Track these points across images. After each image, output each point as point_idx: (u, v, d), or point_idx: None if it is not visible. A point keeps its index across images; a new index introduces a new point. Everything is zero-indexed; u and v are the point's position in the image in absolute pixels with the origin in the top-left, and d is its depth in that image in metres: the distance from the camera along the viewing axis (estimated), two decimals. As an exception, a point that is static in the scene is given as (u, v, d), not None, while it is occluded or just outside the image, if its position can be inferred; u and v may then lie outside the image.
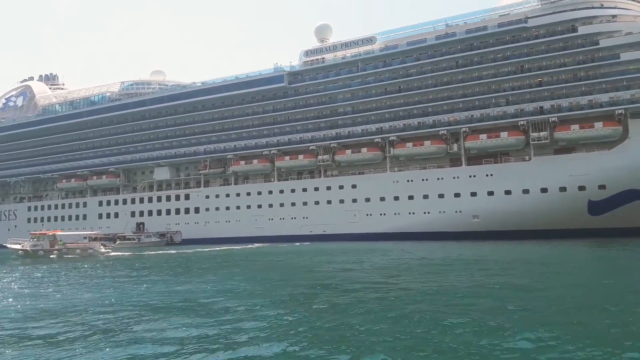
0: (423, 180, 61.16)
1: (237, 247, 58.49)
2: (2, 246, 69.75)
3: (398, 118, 64.27)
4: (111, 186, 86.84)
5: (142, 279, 26.67)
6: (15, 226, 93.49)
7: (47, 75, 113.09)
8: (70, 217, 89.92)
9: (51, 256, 51.29)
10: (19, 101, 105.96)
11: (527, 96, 57.75)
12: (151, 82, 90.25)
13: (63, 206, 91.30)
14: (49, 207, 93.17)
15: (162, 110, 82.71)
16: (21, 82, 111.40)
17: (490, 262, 31.29)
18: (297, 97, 72.10)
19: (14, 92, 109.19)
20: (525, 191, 55.37)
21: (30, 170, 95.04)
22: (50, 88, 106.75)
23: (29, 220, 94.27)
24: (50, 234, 56.40)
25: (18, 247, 55.41)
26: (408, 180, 62.02)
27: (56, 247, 53.17)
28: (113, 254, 52.71)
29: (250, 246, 61.12)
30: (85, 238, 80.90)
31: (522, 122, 56.35)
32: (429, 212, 60.27)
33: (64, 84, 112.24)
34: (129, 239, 74.46)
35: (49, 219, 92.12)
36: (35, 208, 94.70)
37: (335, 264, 32.67)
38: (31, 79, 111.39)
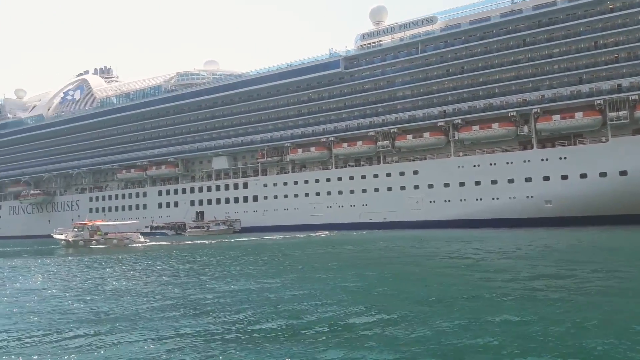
0: (491, 164, 59.02)
1: (302, 235, 58.15)
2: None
3: (462, 100, 62.08)
4: (170, 176, 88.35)
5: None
6: (79, 216, 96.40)
7: (102, 68, 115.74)
8: (130, 207, 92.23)
9: (91, 246, 52.45)
10: (77, 95, 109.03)
11: (603, 74, 54.50)
12: (205, 72, 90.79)
13: (123, 196, 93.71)
14: (110, 197, 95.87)
15: (218, 100, 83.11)
16: (77, 76, 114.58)
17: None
18: (353, 82, 70.79)
19: (71, 86, 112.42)
20: (603, 174, 52.51)
21: (91, 161, 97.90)
22: (105, 81, 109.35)
23: (90, 210, 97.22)
24: (90, 224, 57.40)
25: (62, 237, 57.14)
26: (474, 165, 60.02)
27: (95, 237, 54.28)
28: (150, 244, 53.19)
29: (320, 234, 60.67)
30: (148, 226, 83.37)
31: (598, 102, 53.28)
32: (497, 198, 58.23)
33: (118, 77, 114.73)
34: (199, 227, 75.78)
35: (109, 209, 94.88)
36: (97, 198, 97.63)
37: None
38: (86, 72, 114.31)
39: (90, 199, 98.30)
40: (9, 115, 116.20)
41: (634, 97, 51.55)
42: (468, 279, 19.22)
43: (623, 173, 51.47)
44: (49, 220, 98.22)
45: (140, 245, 52.93)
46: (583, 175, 53.57)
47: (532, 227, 53.32)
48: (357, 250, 36.21)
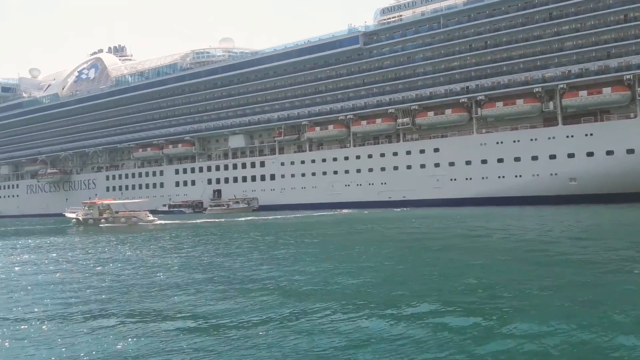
0: (514, 141, 58.04)
1: (327, 213, 57.75)
2: None
3: (485, 76, 60.85)
4: (187, 154, 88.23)
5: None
6: (96, 194, 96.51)
7: (116, 47, 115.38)
8: (147, 186, 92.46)
9: (100, 225, 52.62)
10: (91, 73, 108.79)
11: (633, 48, 52.98)
12: (220, 49, 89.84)
13: (140, 175, 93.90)
14: (126, 176, 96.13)
15: (234, 78, 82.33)
16: (91, 54, 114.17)
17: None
18: (372, 58, 69.60)
19: (85, 65, 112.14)
20: (630, 151, 51.41)
21: (107, 140, 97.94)
22: (119, 59, 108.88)
23: (107, 189, 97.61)
24: (99, 202, 57.46)
25: (73, 216, 57.78)
26: (497, 142, 59.08)
27: (104, 215, 54.43)
28: (159, 222, 52.95)
29: (343, 211, 60.14)
30: (166, 205, 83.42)
31: (627, 76, 51.89)
32: (520, 176, 57.37)
33: (132, 55, 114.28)
34: (219, 205, 75.88)
35: (126, 188, 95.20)
36: (113, 177, 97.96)
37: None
38: (100, 51, 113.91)
39: (107, 178, 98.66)
40: (24, 95, 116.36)
41: (665, 72, 50.09)
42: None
43: (652, 150, 50.34)
44: (67, 199, 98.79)
45: (149, 224, 52.70)
46: (609, 152, 52.49)
47: (555, 204, 52.51)
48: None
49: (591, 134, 53.64)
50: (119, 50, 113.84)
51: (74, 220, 56.71)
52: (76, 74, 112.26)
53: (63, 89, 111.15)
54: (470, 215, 43.39)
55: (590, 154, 53.51)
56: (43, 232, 46.60)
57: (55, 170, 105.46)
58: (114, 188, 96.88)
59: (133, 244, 29.27)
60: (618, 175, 51.33)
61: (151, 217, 54.61)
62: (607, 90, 52.39)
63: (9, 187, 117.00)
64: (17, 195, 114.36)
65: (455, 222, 36.74)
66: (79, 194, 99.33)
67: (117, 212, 55.81)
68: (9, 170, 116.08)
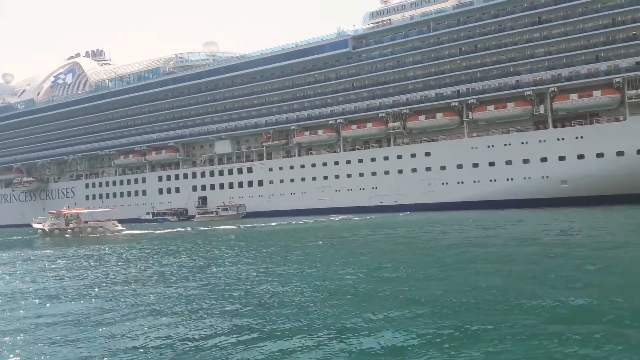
0: (505, 145, 58.28)
1: (322, 219, 56.91)
2: None
3: (475, 80, 61.05)
4: (170, 161, 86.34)
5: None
6: (75, 203, 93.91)
7: (94, 51, 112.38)
8: (129, 193, 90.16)
9: (66, 235, 50.98)
10: (68, 78, 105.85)
11: (622, 51, 53.78)
12: (204, 53, 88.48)
13: (121, 182, 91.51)
14: (107, 183, 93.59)
15: (220, 82, 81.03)
16: (68, 59, 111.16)
17: None
18: (362, 62, 69.25)
19: (62, 70, 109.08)
20: (620, 153, 52.04)
21: (87, 147, 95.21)
22: (98, 64, 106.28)
23: (87, 197, 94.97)
24: (66, 212, 55.77)
25: (39, 226, 55.66)
26: (488, 146, 59.25)
27: (70, 225, 52.76)
28: (127, 232, 51.52)
29: (340, 217, 59.15)
30: (149, 213, 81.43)
31: (617, 80, 52.58)
32: (512, 179, 57.59)
33: (110, 60, 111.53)
34: (207, 213, 74.31)
35: (107, 196, 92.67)
36: (93, 185, 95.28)
37: (512, 234, 28.38)
38: (77, 55, 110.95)
39: (87, 186, 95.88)
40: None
41: (654, 75, 50.92)
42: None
43: (641, 152, 51.03)
44: (44, 208, 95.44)
45: (117, 233, 51.06)
46: (600, 155, 53.07)
47: (547, 207, 52.81)
48: (410, 234, 32.59)
49: (581, 137, 54.17)
50: (97, 55, 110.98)
51: (40, 231, 54.69)
52: (52, 78, 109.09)
53: (38, 94, 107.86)
54: (467, 218, 43.07)
55: (580, 157, 54.02)
56: (9, 245, 44.04)
57: (31, 179, 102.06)
58: (94, 196, 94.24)
59: (78, 264, 25.67)
60: (609, 177, 51.88)
61: (119, 227, 52.93)
62: (597, 94, 53.02)
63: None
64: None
65: (456, 226, 36.38)
66: (57, 203, 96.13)
67: (86, 222, 54.06)
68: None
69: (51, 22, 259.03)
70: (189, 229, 53.94)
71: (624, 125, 52.53)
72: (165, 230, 52.00)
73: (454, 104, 61.55)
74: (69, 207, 66.73)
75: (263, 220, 62.83)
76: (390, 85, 66.91)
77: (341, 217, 59.65)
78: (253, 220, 65.79)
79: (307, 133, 72.30)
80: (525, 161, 56.92)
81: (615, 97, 52.87)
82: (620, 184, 51.10)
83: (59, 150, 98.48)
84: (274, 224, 53.06)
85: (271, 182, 75.20)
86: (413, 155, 64.15)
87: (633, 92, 51.81)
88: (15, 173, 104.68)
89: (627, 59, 53.16)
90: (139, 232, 51.94)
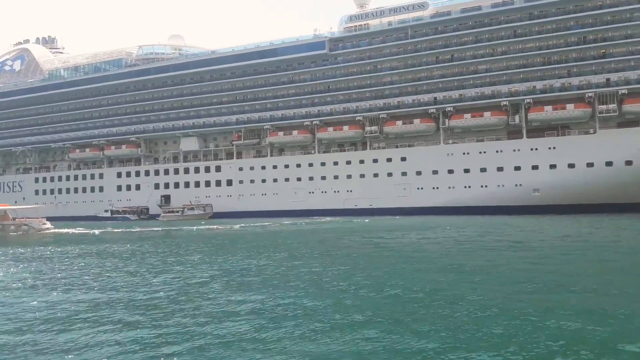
0: (480, 152, 59.79)
1: (306, 220, 55.92)
2: None
3: (452, 88, 62.25)
4: (131, 157, 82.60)
5: None
6: (24, 198, 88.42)
7: (45, 38, 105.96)
8: (84, 189, 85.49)
9: None
10: (16, 65, 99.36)
11: (592, 67, 56.49)
12: (169, 46, 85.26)
13: (76, 177, 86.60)
14: (59, 178, 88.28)
15: (187, 77, 78.35)
16: (16, 45, 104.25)
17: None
18: (338, 65, 69.06)
19: (9, 56, 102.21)
20: (590, 164, 54.64)
21: (38, 139, 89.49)
22: (50, 51, 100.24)
23: (36, 192, 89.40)
24: None
25: None
26: (464, 153, 60.58)
27: None
28: (53, 230, 49.13)
29: (323, 219, 58.30)
30: (108, 210, 77.52)
31: (589, 94, 55.16)
32: (486, 186, 59.15)
33: (64, 48, 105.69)
34: (172, 212, 71.42)
35: (59, 191, 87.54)
36: (44, 179, 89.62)
37: (513, 240, 28.56)
38: (27, 41, 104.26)
39: (37, 180, 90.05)
40: None
41: (623, 92, 53.75)
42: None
43: (609, 164, 53.78)
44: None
45: (43, 231, 48.25)
46: (571, 165, 55.47)
47: (519, 214, 54.55)
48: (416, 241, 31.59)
49: (554, 148, 56.43)
50: (48, 42, 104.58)
51: None
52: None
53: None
54: (452, 224, 43.66)
55: (553, 166, 56.25)
56: None
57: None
58: (44, 191, 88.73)
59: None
60: (579, 187, 54.34)
61: (47, 225, 50.09)
62: (570, 107, 55.40)
63: None
64: None
65: (450, 232, 36.69)
66: (2, 198, 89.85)
67: (14, 219, 50.67)
68: None
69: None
70: (154, 228, 51.29)
71: (594, 138, 55.18)
72: (120, 230, 48.75)
73: (431, 110, 62.46)
74: (56, 200, 61.99)
75: (232, 221, 61.15)
76: (366, 89, 67.06)
77: (327, 219, 59.03)
78: (221, 220, 63.90)
79: (280, 133, 71.18)
80: (500, 169, 58.61)
81: (587, 111, 55.42)
82: (590, 194, 53.63)
83: (7, 142, 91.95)
84: (237, 226, 51.18)
85: (241, 181, 73.48)
86: (389, 160, 64.58)
87: (604, 107, 54.51)
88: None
89: (598, 75, 55.89)
90: (71, 231, 48.85)
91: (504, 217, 50.70)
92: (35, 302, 14.28)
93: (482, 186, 59.51)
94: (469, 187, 60.11)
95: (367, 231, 38.61)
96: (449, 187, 61.06)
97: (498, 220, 46.02)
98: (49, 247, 31.95)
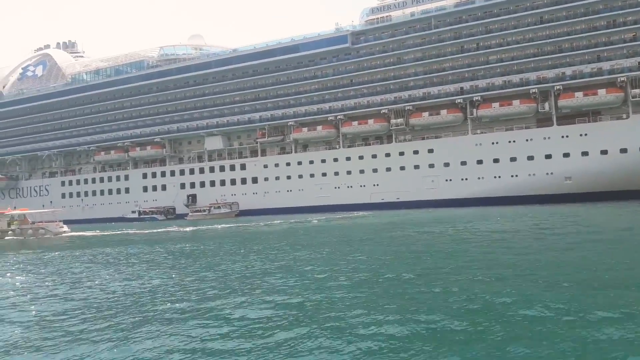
0: (510, 142, 59.04)
1: (340, 216, 55.61)
2: None
3: (478, 77, 61.51)
4: (156, 157, 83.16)
5: None
6: (51, 202, 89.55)
7: (65, 42, 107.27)
8: (110, 191, 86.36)
9: (6, 238, 48.73)
10: (39, 71, 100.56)
11: (624, 51, 55.36)
12: (190, 46, 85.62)
13: (102, 180, 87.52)
14: (85, 181, 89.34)
15: (209, 77, 78.56)
16: (37, 50, 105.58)
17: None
18: (361, 58, 68.60)
19: (30, 62, 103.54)
20: (623, 150, 53.59)
21: (63, 143, 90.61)
22: (71, 56, 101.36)
23: (63, 195, 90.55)
24: (8, 212, 53.23)
25: None
26: (493, 143, 59.86)
27: (12, 227, 50.52)
28: (70, 234, 49.60)
29: (359, 214, 57.50)
30: (135, 211, 78.21)
31: (621, 79, 54.10)
32: (517, 175, 58.39)
33: (84, 52, 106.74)
34: (199, 211, 71.80)
35: (86, 194, 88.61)
36: (70, 182, 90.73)
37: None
38: (47, 47, 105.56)
39: (63, 184, 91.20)
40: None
41: (656, 75, 52.62)
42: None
43: (644, 149, 52.69)
44: (15, 207, 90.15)
45: (60, 235, 48.89)
46: (604, 152, 54.47)
47: (551, 203, 53.73)
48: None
49: (585, 134, 55.46)
50: (69, 46, 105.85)
51: None
52: (20, 71, 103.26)
53: (3, 87, 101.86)
54: (473, 215, 43.00)
55: (585, 154, 55.30)
56: None
57: (1, 176, 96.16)
58: (70, 194, 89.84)
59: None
60: (612, 174, 53.34)
61: (64, 228, 50.92)
62: (602, 92, 54.36)
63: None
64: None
65: (493, 224, 35.97)
66: (29, 202, 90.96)
67: (33, 223, 51.50)
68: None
69: (13, 10, 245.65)
70: (175, 228, 50.99)
71: (627, 123, 54.13)
72: (149, 231, 48.50)
73: (458, 101, 61.80)
74: (15, 207, 63.11)
75: (259, 218, 61.13)
76: (391, 81, 66.57)
77: (359, 213, 58.43)
78: (249, 218, 63.95)
79: (304, 129, 71.04)
80: (530, 158, 57.79)
81: (619, 95, 54.35)
82: (624, 180, 52.63)
83: (32, 146, 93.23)
84: (277, 222, 51.24)
85: (266, 179, 73.55)
86: (415, 152, 64.10)
87: (637, 90, 53.43)
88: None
89: (629, 59, 54.76)
90: (88, 234, 49.19)
91: (541, 207, 49.82)
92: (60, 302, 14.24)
93: (512, 176, 58.75)
94: (499, 177, 59.39)
95: (416, 224, 37.58)
96: (478, 178, 60.41)
97: (540, 210, 45.06)
98: (62, 251, 31.61)
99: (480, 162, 60.38)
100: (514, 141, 58.74)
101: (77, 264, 23.43)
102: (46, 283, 17.85)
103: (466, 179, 61.12)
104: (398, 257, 19.47)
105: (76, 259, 26.14)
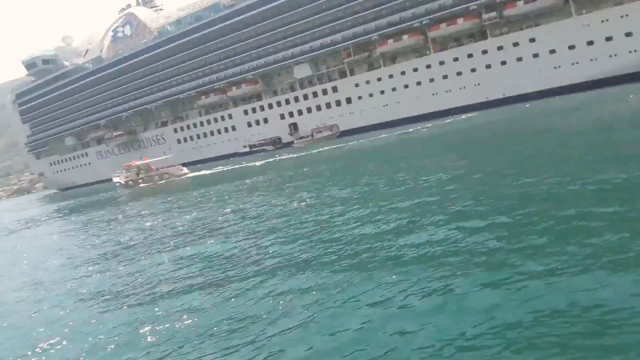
0: (622, 16, 52.94)
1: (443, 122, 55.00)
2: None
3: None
4: (252, 94, 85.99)
5: None
6: (170, 148, 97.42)
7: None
8: (218, 131, 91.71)
9: (140, 186, 53.41)
10: (127, 30, 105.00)
11: None
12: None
13: (208, 122, 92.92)
14: (194, 125, 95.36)
15: (284, 7, 77.16)
16: (120, 11, 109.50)
17: None
18: (440, -49, 63.05)
19: (117, 23, 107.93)
20: None
21: (165, 93, 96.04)
22: (152, 10, 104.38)
23: (178, 141, 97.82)
24: (134, 164, 58.04)
25: (117, 180, 59.75)
26: (602, 21, 54.18)
27: (140, 176, 55.16)
28: (191, 174, 52.87)
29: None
30: (246, 146, 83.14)
31: None
32: (636, 51, 52.93)
33: (162, 5, 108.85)
34: (303, 138, 74.85)
35: (197, 137, 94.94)
36: (181, 129, 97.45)
37: None
38: (129, 6, 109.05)
39: (175, 130, 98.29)
40: (65, 63, 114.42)
41: None
42: None
43: None
44: (141, 157, 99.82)
45: (182, 177, 53.28)
46: None
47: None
48: None
49: None
50: (147, 2, 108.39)
51: (118, 184, 59.35)
52: (111, 34, 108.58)
53: (101, 51, 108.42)
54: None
55: None
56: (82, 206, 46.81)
57: (121, 132, 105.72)
58: (185, 139, 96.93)
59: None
60: None
61: (185, 171, 55.53)
62: None
63: (77, 157, 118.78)
64: (89, 163, 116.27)
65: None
66: (151, 151, 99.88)
67: (157, 170, 57.03)
68: (73, 140, 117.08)
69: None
70: (292, 155, 54.03)
71: None
72: (262, 162, 51.92)
73: (557, -20, 55.63)
74: (141, 157, 70.02)
75: (360, 136, 62.21)
76: (477, -28, 61.02)
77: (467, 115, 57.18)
78: (349, 138, 65.08)
79: (390, 41, 68.73)
80: (651, 31, 51.74)
81: None
82: None
83: (140, 101, 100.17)
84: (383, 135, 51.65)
85: (360, 97, 73.58)
86: (516, 44, 59.88)
87: None
88: (104, 130, 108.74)
89: None
90: (206, 173, 53.06)
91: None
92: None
93: (630, 52, 53.33)
94: (615, 55, 54.18)
95: (547, 114, 36.26)
96: (591, 60, 55.60)
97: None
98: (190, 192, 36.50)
99: (590, 43, 55.20)
100: (627, 15, 52.54)
101: (237, 194, 27.35)
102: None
103: (577, 63, 56.51)
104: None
105: (235, 190, 30.06)
